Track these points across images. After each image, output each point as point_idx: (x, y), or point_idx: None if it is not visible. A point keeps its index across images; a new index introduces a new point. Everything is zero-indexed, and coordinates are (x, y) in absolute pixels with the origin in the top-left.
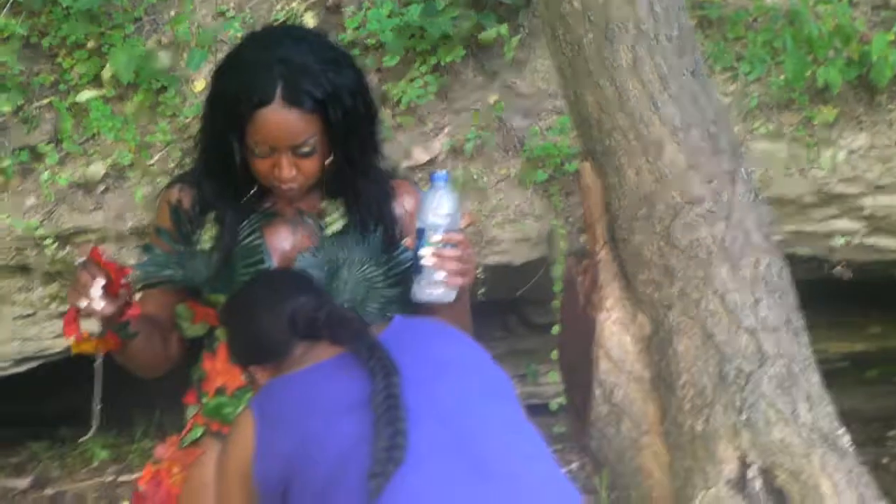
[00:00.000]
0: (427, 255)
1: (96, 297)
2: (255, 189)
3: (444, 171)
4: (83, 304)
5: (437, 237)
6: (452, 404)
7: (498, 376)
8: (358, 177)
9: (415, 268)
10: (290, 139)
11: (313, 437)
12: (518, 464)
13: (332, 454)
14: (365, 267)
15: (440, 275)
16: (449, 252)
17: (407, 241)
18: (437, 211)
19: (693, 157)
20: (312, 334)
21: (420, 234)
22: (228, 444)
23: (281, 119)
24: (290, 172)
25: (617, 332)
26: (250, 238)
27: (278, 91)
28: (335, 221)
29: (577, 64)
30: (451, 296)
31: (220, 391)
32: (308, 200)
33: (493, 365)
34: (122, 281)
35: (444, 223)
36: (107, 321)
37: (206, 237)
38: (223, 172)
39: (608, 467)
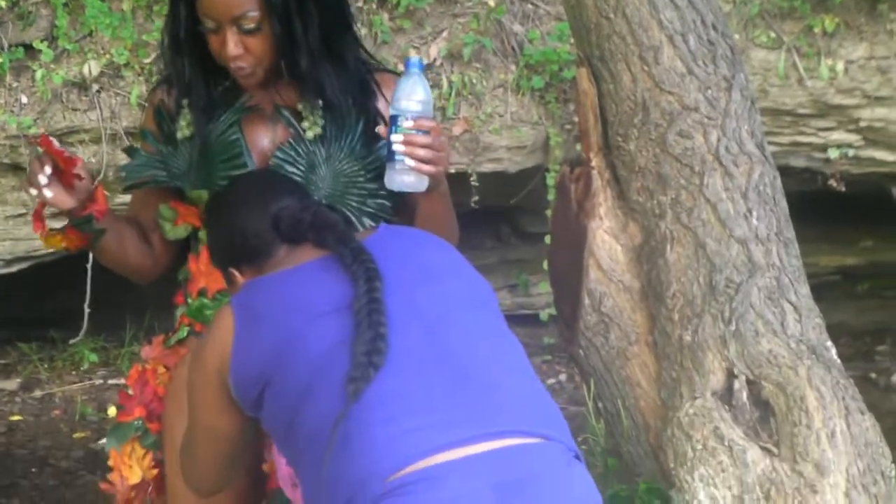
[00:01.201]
0: (397, 141)
1: (43, 185)
2: (228, 82)
3: (417, 58)
4: (33, 192)
5: (408, 123)
6: (434, 311)
7: (481, 286)
8: (328, 67)
9: (387, 155)
10: (226, 10)
11: (293, 337)
12: (498, 374)
13: (311, 355)
14: (344, 162)
15: (410, 162)
16: (420, 139)
17: (380, 129)
18: (409, 97)
19: (690, 64)
20: (296, 236)
21: (393, 121)
22: (206, 339)
23: None
24: (236, 49)
25: (608, 240)
26: (228, 132)
27: None
28: (313, 125)
29: None
30: (422, 184)
31: (201, 293)
32: (285, 95)
33: (476, 274)
34: (75, 171)
35: (416, 110)
36: (68, 214)
37: (184, 124)
38: (193, 59)
39: (596, 377)
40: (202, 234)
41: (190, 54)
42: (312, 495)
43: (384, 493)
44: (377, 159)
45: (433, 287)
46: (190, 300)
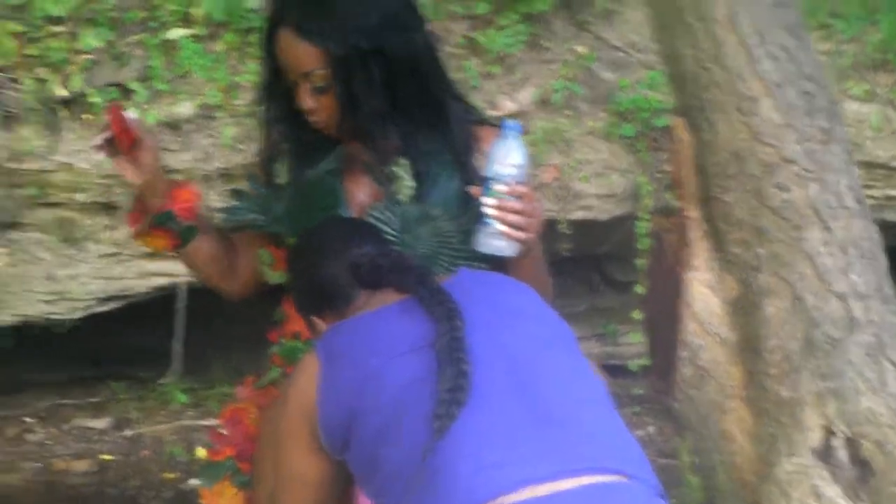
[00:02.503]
0: (489, 204)
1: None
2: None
3: (516, 121)
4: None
5: (501, 187)
6: (516, 349)
7: (560, 325)
8: (406, 127)
9: (478, 218)
10: (296, 66)
11: (374, 376)
12: (581, 411)
13: (392, 393)
14: (437, 220)
15: (501, 226)
16: (512, 204)
17: (473, 190)
18: (504, 161)
19: (788, 115)
20: (375, 281)
21: (486, 183)
22: (291, 386)
23: (289, 44)
24: (309, 103)
25: (704, 292)
26: (326, 180)
27: (294, 13)
28: (402, 186)
29: (675, 17)
30: (512, 249)
31: (295, 335)
32: (384, 148)
33: (554, 315)
34: (131, 142)
35: (510, 174)
36: (144, 196)
37: (282, 168)
38: (286, 105)
39: (691, 430)
40: None
41: (282, 100)
42: None
43: None
44: (471, 219)
45: (514, 326)
46: (283, 340)
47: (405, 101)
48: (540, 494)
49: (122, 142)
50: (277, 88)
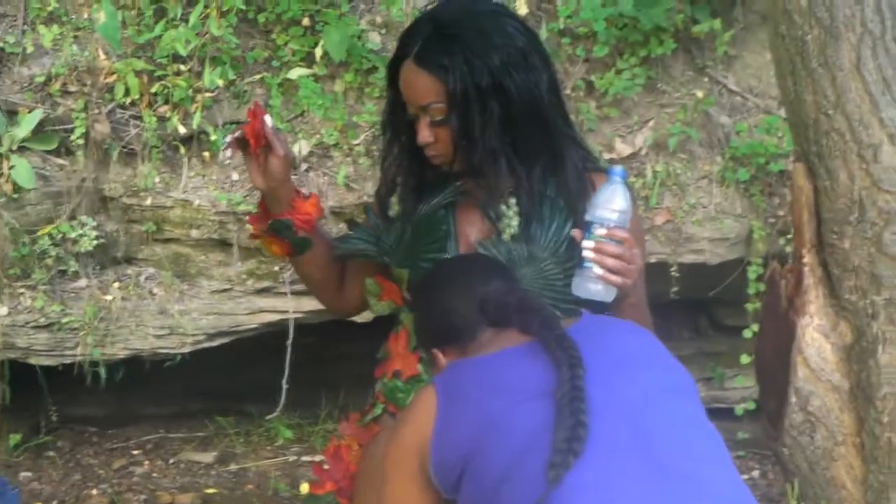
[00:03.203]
0: (588, 248)
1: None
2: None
3: (621, 168)
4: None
5: (601, 231)
6: (635, 400)
7: (682, 375)
8: (519, 168)
9: (577, 261)
10: (416, 99)
11: (496, 421)
12: (698, 465)
13: (514, 440)
14: (545, 262)
15: (598, 270)
16: (611, 248)
17: (575, 233)
18: (606, 205)
19: None
20: (502, 320)
21: (587, 227)
22: (406, 417)
23: (410, 76)
24: (426, 136)
25: (818, 338)
26: (438, 214)
27: (419, 45)
28: (508, 226)
29: (798, 62)
30: (610, 295)
31: (396, 374)
32: (497, 187)
33: (677, 364)
34: (263, 144)
35: (611, 218)
36: (268, 202)
37: (394, 200)
38: (406, 139)
39: (799, 476)
40: (403, 316)
41: (402, 134)
42: None
43: None
44: (565, 258)
45: (635, 375)
46: (385, 379)
47: (522, 140)
48: None
49: (253, 143)
50: (399, 122)
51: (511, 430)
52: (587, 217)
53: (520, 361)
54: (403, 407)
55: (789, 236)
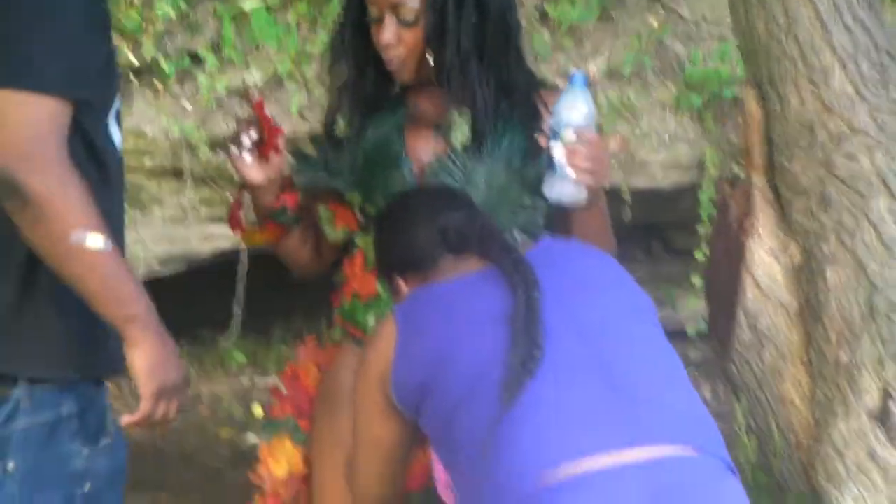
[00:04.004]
0: (558, 150)
1: (247, 148)
2: (397, 89)
3: (581, 72)
4: (234, 150)
5: (570, 134)
6: (592, 321)
7: (641, 298)
8: (481, 75)
9: (547, 165)
10: None
11: (452, 346)
12: (655, 386)
13: (469, 363)
14: (499, 174)
15: (570, 172)
16: (583, 149)
17: (541, 139)
18: (572, 108)
19: (861, 87)
20: (462, 247)
21: (554, 132)
22: (369, 349)
23: None
24: (389, 37)
25: (767, 259)
26: (389, 137)
27: None
28: (461, 133)
29: None
30: (581, 195)
31: (354, 295)
32: (447, 104)
33: (635, 286)
34: (276, 142)
35: (578, 121)
36: (261, 204)
37: (344, 122)
38: (358, 55)
39: (748, 393)
40: (358, 239)
41: (355, 51)
42: (465, 498)
43: (535, 494)
44: (533, 175)
45: (592, 297)
46: (344, 302)
47: (490, 49)
48: (608, 464)
49: (267, 142)
50: (353, 28)
51: (467, 355)
52: (552, 123)
53: (478, 287)
54: (364, 326)
55: (742, 161)
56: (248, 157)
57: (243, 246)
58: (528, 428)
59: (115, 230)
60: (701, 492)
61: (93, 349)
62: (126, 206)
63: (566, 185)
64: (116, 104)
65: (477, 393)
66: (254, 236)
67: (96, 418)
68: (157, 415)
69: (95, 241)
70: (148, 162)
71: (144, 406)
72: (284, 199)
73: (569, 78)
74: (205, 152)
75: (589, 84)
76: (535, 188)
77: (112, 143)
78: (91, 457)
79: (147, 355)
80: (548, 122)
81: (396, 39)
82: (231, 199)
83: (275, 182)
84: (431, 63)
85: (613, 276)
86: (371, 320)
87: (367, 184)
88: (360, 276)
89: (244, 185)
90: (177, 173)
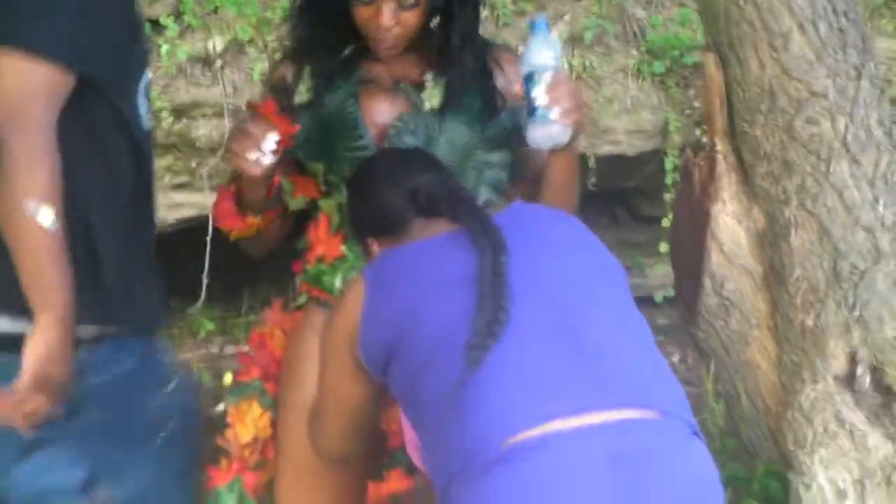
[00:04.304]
0: (540, 94)
1: (268, 152)
2: (351, 49)
3: (543, 17)
4: (253, 156)
5: (547, 76)
6: (559, 284)
7: (609, 261)
8: (460, 48)
9: (529, 112)
10: None
11: (418, 307)
12: (618, 347)
13: (435, 324)
14: (461, 135)
15: (555, 112)
16: (562, 88)
17: (517, 87)
18: (541, 53)
19: (820, 51)
20: (431, 210)
21: (528, 78)
22: (338, 309)
23: None
24: (391, 20)
25: (731, 224)
26: (345, 105)
27: None
28: (434, 95)
29: None
30: (566, 135)
31: (319, 259)
32: (405, 69)
33: (604, 250)
34: (288, 139)
35: (549, 63)
36: (257, 187)
37: (303, 89)
38: (321, 22)
39: (715, 359)
40: (321, 203)
41: (318, 17)
42: (431, 458)
43: (498, 457)
44: (495, 133)
45: (560, 260)
46: (308, 267)
47: (462, 13)
48: (571, 427)
49: (282, 141)
50: (318, 5)
51: (434, 317)
52: (525, 71)
53: (447, 249)
54: (330, 289)
55: (705, 127)
56: (270, 159)
57: (210, 213)
58: (493, 391)
59: (143, 197)
60: (663, 454)
61: (129, 304)
62: None
63: (552, 127)
64: (146, 77)
65: (443, 354)
66: (251, 228)
67: (158, 367)
68: (29, 406)
69: (46, 216)
70: None
71: (21, 388)
72: (275, 182)
73: (531, 25)
74: (167, 119)
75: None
76: (499, 145)
77: (139, 115)
78: (163, 403)
79: (47, 345)
80: (504, 84)
81: (395, 21)
82: (216, 194)
83: (267, 175)
84: (434, 40)
85: (582, 240)
86: (338, 282)
87: (327, 152)
88: (324, 240)
89: (236, 179)
90: None
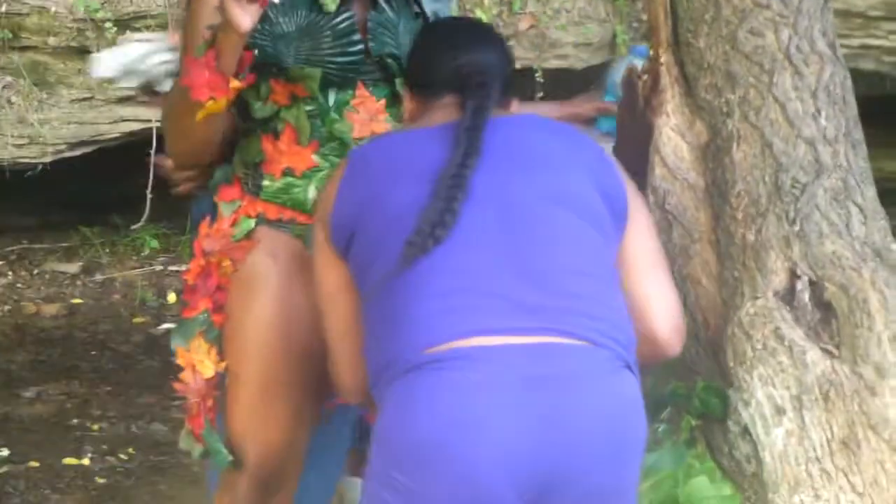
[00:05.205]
0: None
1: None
2: None
3: None
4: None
5: None
6: (523, 203)
7: (587, 188)
8: None
9: None
10: None
11: (379, 196)
12: (563, 273)
13: (389, 214)
14: (409, 25)
15: None
16: None
17: None
18: None
19: None
20: (461, 90)
21: None
22: (325, 187)
23: None
24: None
25: (674, 137)
26: (340, 9)
27: None
28: None
29: None
30: None
31: (287, 172)
32: None
33: (602, 178)
34: None
35: None
36: (237, 46)
37: None
38: None
39: None
40: (283, 114)
41: None
42: (367, 352)
43: (417, 364)
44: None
45: (532, 176)
46: (269, 182)
47: None
48: (493, 344)
49: None
50: None
51: (390, 205)
52: None
53: (432, 141)
54: (301, 201)
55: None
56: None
57: (154, 126)
58: (424, 296)
59: None
60: (582, 381)
61: None
62: (31, 86)
63: None
64: None
65: (388, 246)
66: (231, 94)
67: None
68: None
69: None
70: (52, 40)
71: None
72: (245, 56)
73: None
74: (111, 31)
75: None
76: None
77: None
78: None
79: None
80: None
81: None
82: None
83: (245, 37)
84: None
85: (571, 160)
86: (311, 192)
87: (317, 58)
88: (290, 152)
89: (212, 44)
90: (83, 53)
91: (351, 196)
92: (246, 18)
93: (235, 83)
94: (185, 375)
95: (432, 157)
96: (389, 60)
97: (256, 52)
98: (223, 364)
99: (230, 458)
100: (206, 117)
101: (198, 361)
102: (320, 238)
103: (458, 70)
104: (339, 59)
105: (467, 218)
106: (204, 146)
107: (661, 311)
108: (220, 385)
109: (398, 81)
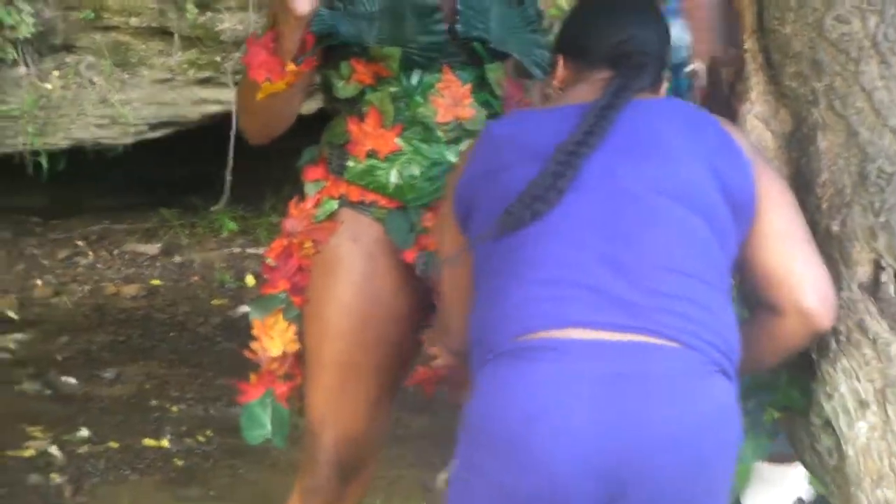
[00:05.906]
0: None
1: None
2: None
3: None
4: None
5: None
6: (635, 193)
7: (705, 180)
8: None
9: None
10: None
11: (501, 169)
12: (664, 270)
13: (501, 192)
14: (507, 14)
15: None
16: None
17: None
18: None
19: None
20: (616, 66)
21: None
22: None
23: None
24: None
25: (758, 126)
26: None
27: None
28: None
29: None
30: None
31: (371, 154)
32: None
33: (726, 171)
34: None
35: None
36: (296, 31)
37: None
38: None
39: None
40: (369, 96)
41: None
42: (471, 317)
43: (509, 350)
44: (530, 15)
45: (649, 166)
46: (353, 163)
47: None
48: (586, 338)
49: None
50: None
51: (502, 184)
52: None
53: (560, 122)
54: (383, 185)
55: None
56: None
57: (233, 108)
58: (524, 282)
59: None
60: (669, 384)
61: None
62: (113, 66)
63: None
64: None
65: (489, 213)
66: (288, 78)
67: None
68: None
69: None
70: (134, 21)
71: None
72: (307, 39)
73: None
74: (192, 11)
75: None
76: (533, 27)
77: None
78: None
79: None
80: None
81: None
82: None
83: (307, 21)
84: None
85: (695, 152)
86: (393, 176)
87: (400, 38)
88: (374, 134)
89: (273, 26)
90: (164, 33)
91: (475, 170)
92: (304, 2)
93: (292, 66)
94: (256, 346)
95: (557, 138)
96: (476, 44)
97: (337, 31)
98: (295, 345)
99: (268, 435)
100: (267, 97)
101: (268, 337)
102: (446, 207)
103: (618, 46)
104: (421, 39)
105: (575, 203)
106: (271, 124)
107: (807, 280)
108: (296, 363)
109: (487, 67)
